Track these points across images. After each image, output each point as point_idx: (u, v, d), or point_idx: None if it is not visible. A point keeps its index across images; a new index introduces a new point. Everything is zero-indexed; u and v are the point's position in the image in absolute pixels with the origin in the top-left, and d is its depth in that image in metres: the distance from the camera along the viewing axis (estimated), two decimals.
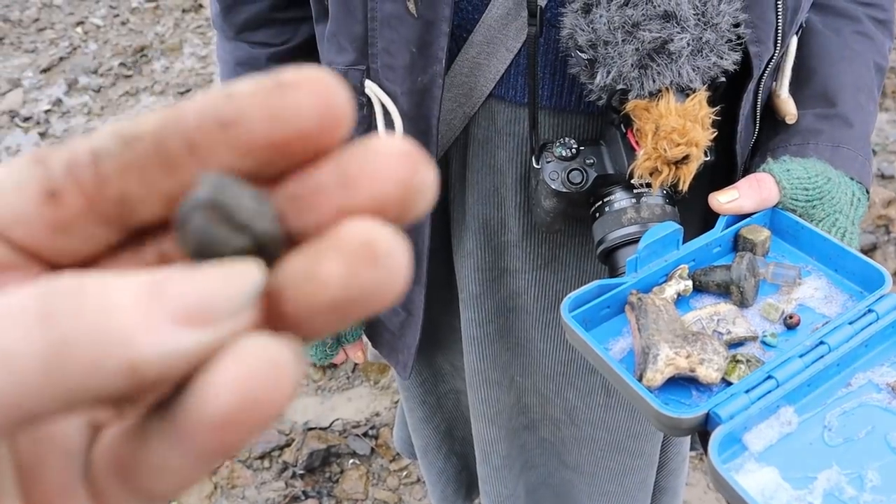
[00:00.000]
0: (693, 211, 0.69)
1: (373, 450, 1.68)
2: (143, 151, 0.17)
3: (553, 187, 0.64)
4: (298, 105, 0.17)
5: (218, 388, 0.15)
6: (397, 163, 0.17)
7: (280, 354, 0.16)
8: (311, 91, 0.17)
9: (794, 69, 0.70)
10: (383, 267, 0.16)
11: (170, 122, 0.17)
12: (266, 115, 0.17)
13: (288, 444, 1.69)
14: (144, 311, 0.15)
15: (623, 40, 0.56)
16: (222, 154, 0.17)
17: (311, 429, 1.71)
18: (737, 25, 0.58)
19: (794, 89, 0.70)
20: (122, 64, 3.04)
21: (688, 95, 0.59)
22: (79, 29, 3.30)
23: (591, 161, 0.64)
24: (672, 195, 0.65)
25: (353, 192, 0.17)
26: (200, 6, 3.38)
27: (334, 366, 1.82)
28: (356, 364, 1.83)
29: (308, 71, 0.17)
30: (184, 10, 3.38)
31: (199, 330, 0.15)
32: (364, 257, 0.16)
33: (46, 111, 2.78)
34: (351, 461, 1.66)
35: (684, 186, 0.61)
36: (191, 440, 0.16)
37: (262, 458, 1.67)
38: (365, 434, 1.70)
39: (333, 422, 1.73)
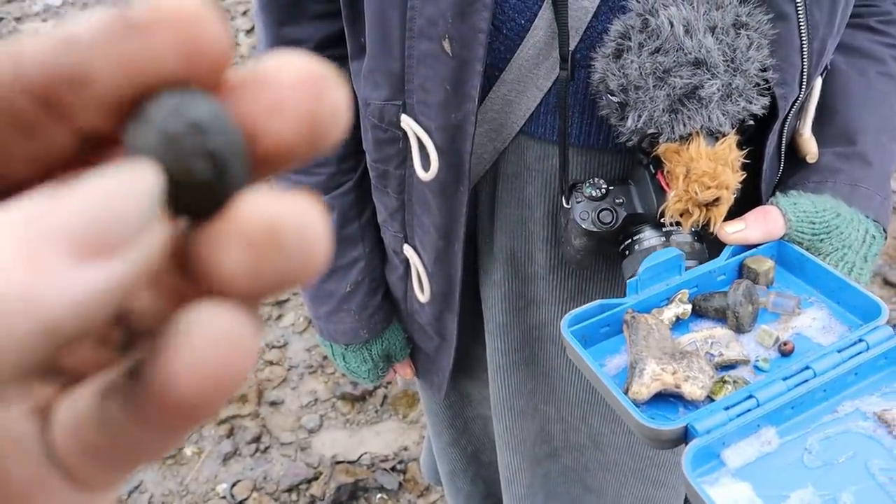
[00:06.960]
0: (718, 247, 0.70)
1: (401, 484, 1.68)
2: None
3: (584, 227, 0.65)
4: (154, 50, 0.14)
5: (176, 374, 0.14)
6: (298, 93, 0.15)
7: (236, 327, 0.15)
8: (168, 30, 0.14)
9: (817, 108, 0.71)
10: (291, 252, 0.15)
11: (7, 77, 0.14)
12: (117, 67, 0.14)
13: (316, 478, 1.70)
14: (31, 258, 0.12)
15: (654, 85, 0.57)
16: (82, 112, 0.14)
17: (338, 462, 1.72)
18: (764, 70, 0.59)
19: (817, 128, 0.71)
20: None
21: (717, 139, 0.60)
22: None
23: (621, 200, 0.65)
24: (700, 233, 0.65)
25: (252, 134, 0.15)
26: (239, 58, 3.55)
27: (363, 398, 1.84)
28: (385, 397, 1.84)
29: (162, 3, 0.14)
30: None
31: (106, 261, 0.13)
32: (269, 244, 0.15)
33: None
34: (378, 496, 1.66)
35: (715, 227, 0.62)
36: (154, 422, 0.15)
37: (289, 491, 1.68)
38: (393, 468, 1.70)
39: (361, 455, 1.73)
